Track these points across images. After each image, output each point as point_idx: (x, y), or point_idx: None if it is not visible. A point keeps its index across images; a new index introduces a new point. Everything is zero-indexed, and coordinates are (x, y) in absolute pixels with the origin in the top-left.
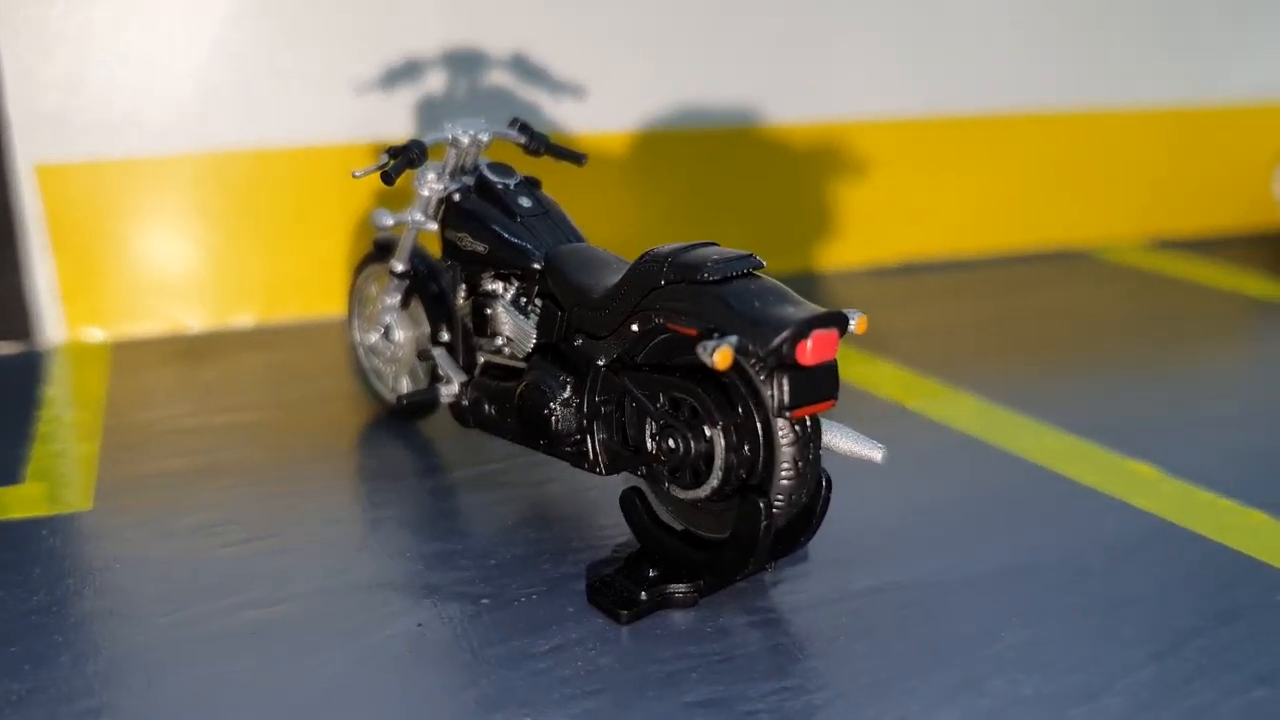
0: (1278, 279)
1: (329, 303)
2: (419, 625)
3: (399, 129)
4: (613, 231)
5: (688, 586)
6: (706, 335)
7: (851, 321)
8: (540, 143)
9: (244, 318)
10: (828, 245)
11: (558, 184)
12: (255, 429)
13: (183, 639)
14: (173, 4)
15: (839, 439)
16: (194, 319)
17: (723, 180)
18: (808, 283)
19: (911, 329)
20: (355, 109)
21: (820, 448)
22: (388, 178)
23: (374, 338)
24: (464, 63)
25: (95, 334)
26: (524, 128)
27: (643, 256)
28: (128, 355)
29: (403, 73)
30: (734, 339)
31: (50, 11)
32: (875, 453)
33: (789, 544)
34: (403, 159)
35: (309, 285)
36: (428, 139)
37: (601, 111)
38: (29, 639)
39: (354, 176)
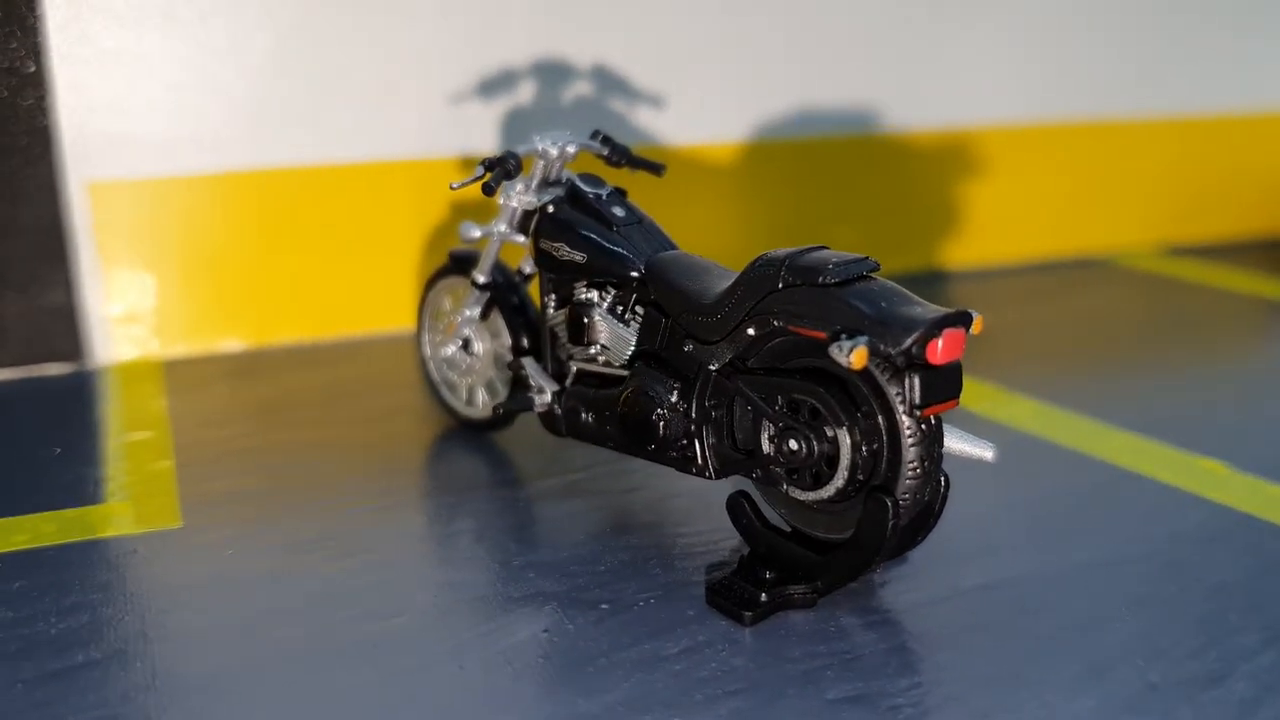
0: None
1: (378, 319)
2: (545, 631)
3: (453, 145)
4: (705, 240)
5: (806, 587)
6: (836, 337)
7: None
8: (622, 154)
9: (296, 335)
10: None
11: (655, 196)
12: (325, 446)
13: (304, 653)
14: (224, 22)
15: (951, 439)
16: (246, 337)
17: (763, 189)
18: None
19: None
20: (411, 124)
21: (943, 447)
22: (489, 189)
23: (450, 350)
24: (546, 75)
25: (147, 353)
26: (606, 139)
27: (756, 261)
28: (182, 374)
29: (457, 89)
30: (866, 339)
31: (101, 30)
32: (986, 452)
33: (907, 543)
34: (500, 170)
35: (359, 302)
36: (519, 151)
37: (691, 123)
38: (143, 656)
39: (451, 188)
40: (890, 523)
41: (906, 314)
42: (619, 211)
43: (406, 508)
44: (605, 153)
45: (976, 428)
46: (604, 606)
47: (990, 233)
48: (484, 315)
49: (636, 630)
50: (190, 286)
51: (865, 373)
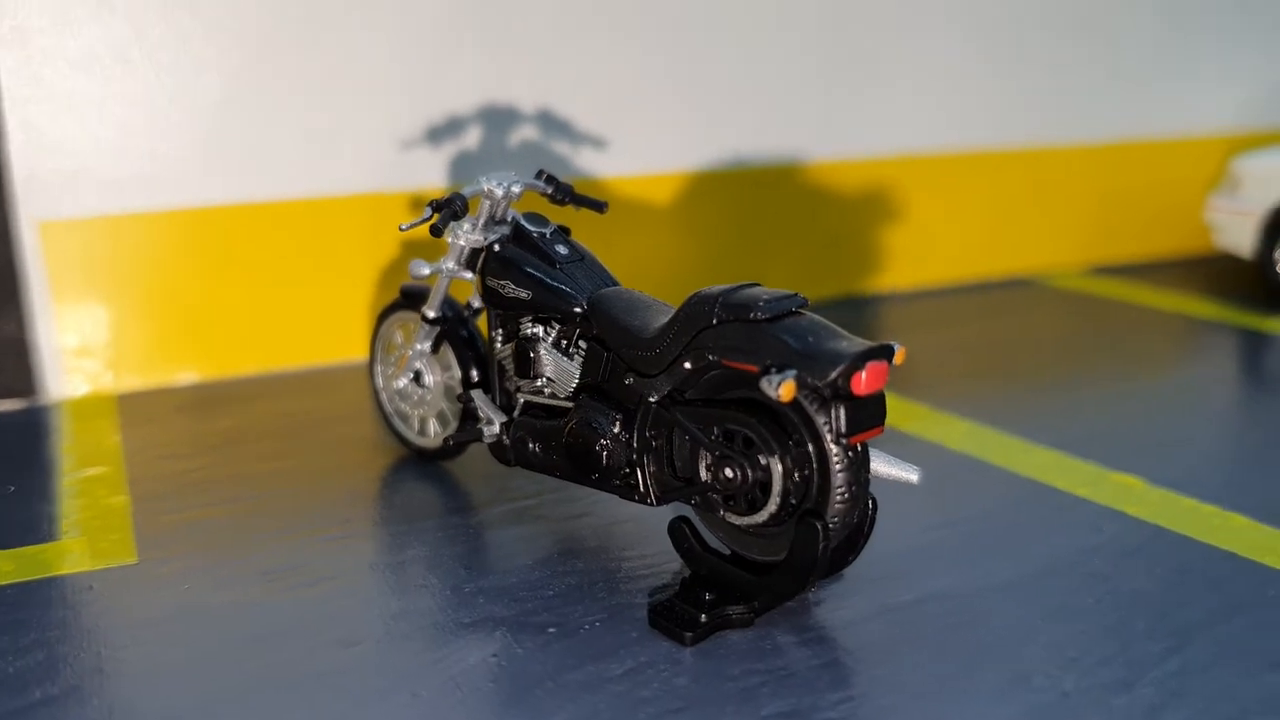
0: (1215, 300)
1: (330, 351)
2: (493, 655)
3: (404, 182)
4: (643, 269)
5: (744, 608)
6: (766, 371)
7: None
8: (565, 193)
9: (249, 367)
10: (775, 281)
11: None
12: (283, 475)
13: (260, 686)
14: (173, 62)
15: (878, 463)
16: (200, 369)
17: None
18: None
19: None
20: (362, 162)
21: (869, 472)
22: (436, 230)
23: (403, 382)
24: (490, 115)
25: (101, 387)
26: (550, 179)
27: (692, 298)
28: (136, 407)
29: (407, 127)
30: (793, 373)
31: (52, 73)
32: (912, 475)
33: (838, 563)
34: (447, 212)
35: (310, 334)
36: (465, 192)
37: (631, 158)
38: (100, 693)
39: (400, 230)
40: (821, 545)
41: (833, 348)
42: (562, 249)
43: (360, 537)
44: (550, 191)
45: (908, 447)
46: (551, 630)
47: (920, 257)
48: (434, 349)
49: (582, 653)
50: (143, 321)
51: (795, 404)
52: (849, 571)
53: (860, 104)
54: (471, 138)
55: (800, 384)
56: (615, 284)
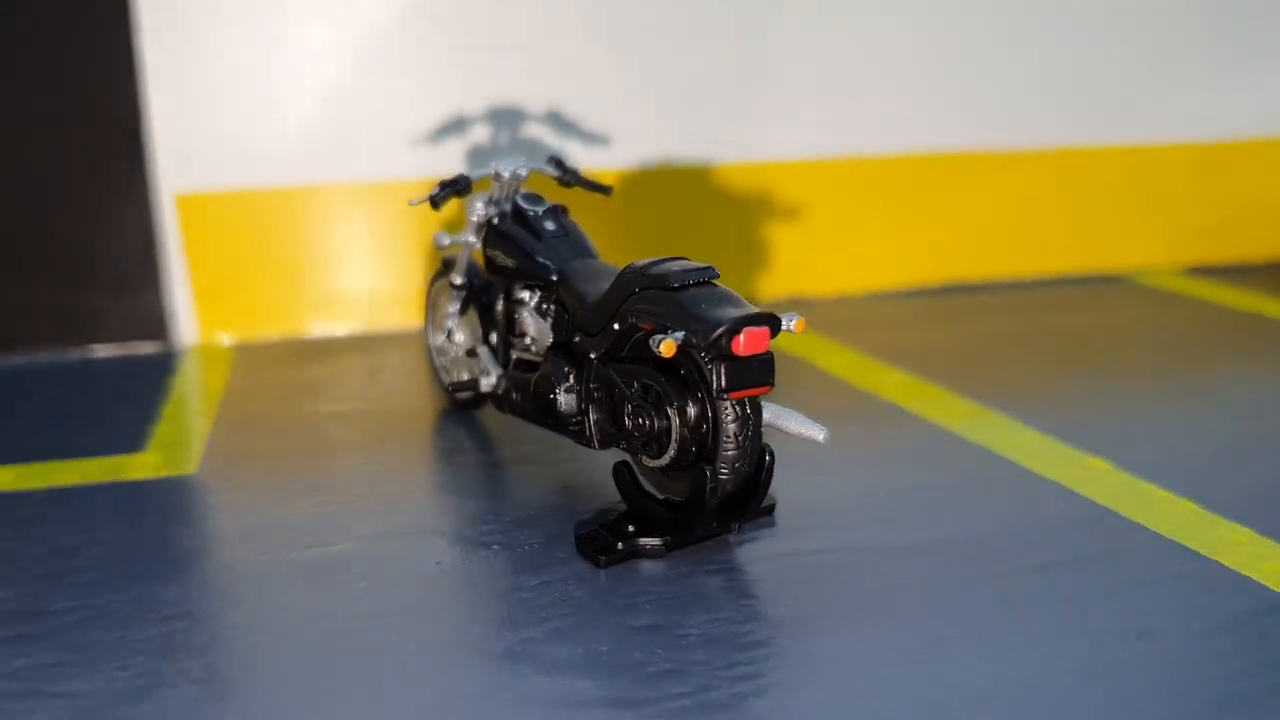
0: None
1: (416, 315)
2: (438, 563)
3: (455, 167)
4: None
5: (658, 541)
6: (660, 330)
7: (788, 323)
8: (572, 176)
9: (351, 326)
10: (886, 266)
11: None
12: (348, 417)
13: (263, 571)
14: (287, 57)
15: (789, 422)
16: (308, 327)
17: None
18: (879, 300)
19: (932, 343)
20: (421, 153)
21: (761, 426)
22: (434, 203)
23: (439, 340)
24: (502, 116)
25: (222, 338)
26: (559, 164)
27: (624, 269)
28: (248, 356)
29: (456, 124)
30: (680, 334)
31: (190, 64)
32: (818, 434)
33: (740, 509)
34: (450, 189)
35: (404, 299)
36: (474, 174)
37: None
38: (141, 566)
39: (409, 204)
40: (709, 487)
41: (719, 314)
42: (549, 225)
43: (392, 465)
44: (557, 175)
45: (899, 421)
46: (495, 547)
47: (1016, 248)
48: (462, 311)
49: (512, 567)
50: (260, 282)
51: (693, 361)
52: (781, 522)
53: (971, 99)
54: (485, 133)
55: (685, 343)
56: (594, 257)
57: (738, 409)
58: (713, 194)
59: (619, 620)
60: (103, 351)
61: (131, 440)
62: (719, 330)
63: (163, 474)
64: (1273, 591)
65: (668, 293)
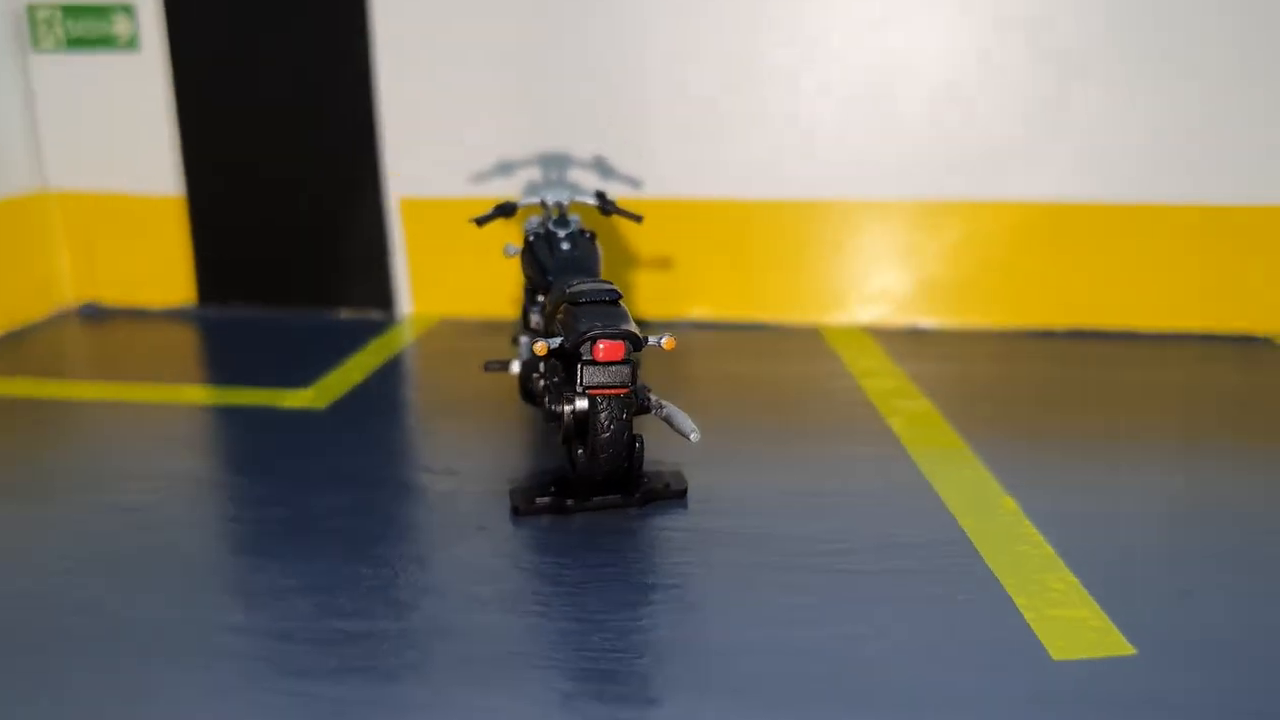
0: None
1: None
2: (481, 528)
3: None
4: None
5: (572, 503)
6: (547, 335)
7: (655, 340)
8: (610, 206)
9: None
10: (1014, 305)
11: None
12: (480, 379)
13: (387, 494)
14: (463, 85)
15: (675, 420)
16: (498, 309)
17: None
18: (988, 335)
19: (993, 379)
20: (507, 183)
21: (626, 417)
22: (479, 222)
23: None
24: (553, 159)
25: (427, 310)
26: (600, 195)
27: (564, 287)
28: (440, 329)
29: (529, 161)
30: (556, 340)
31: (410, 102)
32: (691, 435)
33: (621, 482)
34: (497, 212)
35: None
36: (522, 201)
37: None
38: (325, 475)
39: (470, 221)
40: (581, 462)
41: (587, 326)
42: (565, 246)
43: (457, 426)
44: (597, 205)
45: (882, 442)
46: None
47: (1155, 300)
48: None
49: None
50: (460, 270)
51: (579, 360)
52: (691, 505)
53: (1110, 151)
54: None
55: (561, 347)
56: (592, 275)
57: (606, 403)
58: (892, 228)
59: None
60: (345, 314)
61: (304, 379)
62: (583, 339)
63: (301, 406)
64: (1046, 654)
65: (572, 306)
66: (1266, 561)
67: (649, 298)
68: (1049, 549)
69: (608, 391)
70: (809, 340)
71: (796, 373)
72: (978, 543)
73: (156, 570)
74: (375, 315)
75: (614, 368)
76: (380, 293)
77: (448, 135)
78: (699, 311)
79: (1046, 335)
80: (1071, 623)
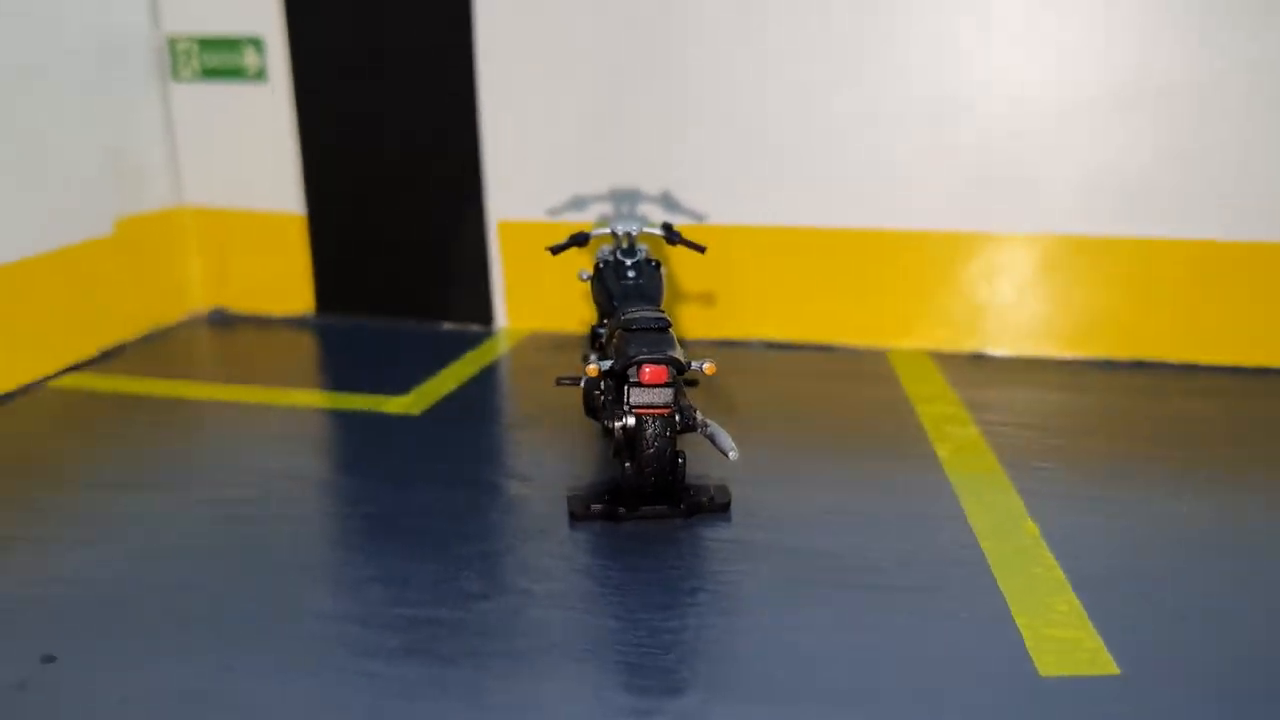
0: None
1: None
2: (492, 495)
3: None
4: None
5: (624, 512)
6: (603, 358)
7: (698, 365)
8: (675, 236)
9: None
10: (1096, 335)
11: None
12: (555, 392)
13: (465, 496)
14: (552, 125)
15: (718, 438)
16: (578, 324)
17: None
18: (1063, 364)
19: (1051, 408)
20: (583, 214)
21: (669, 435)
22: (553, 250)
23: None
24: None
25: (521, 325)
26: (667, 226)
27: (622, 313)
28: (530, 342)
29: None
30: (608, 363)
31: (508, 133)
32: (730, 453)
33: (667, 494)
34: (570, 242)
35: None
36: (595, 231)
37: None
38: (409, 476)
39: (546, 249)
40: (629, 474)
41: (636, 351)
42: (631, 274)
43: (538, 434)
44: (664, 235)
45: (914, 468)
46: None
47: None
48: None
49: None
50: (547, 288)
51: (628, 381)
52: (737, 519)
53: (1190, 184)
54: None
55: (609, 370)
56: (653, 303)
57: (651, 422)
58: (963, 258)
59: (547, 554)
60: (447, 326)
61: (403, 387)
62: (631, 362)
63: (399, 412)
64: (1034, 670)
65: (625, 332)
66: (1271, 591)
67: (724, 318)
68: (1060, 573)
69: (652, 411)
70: (875, 363)
71: (856, 395)
72: (993, 564)
73: (251, 558)
74: (475, 328)
75: (658, 389)
76: (480, 307)
77: (539, 168)
78: (770, 332)
79: (1109, 365)
80: (1065, 643)
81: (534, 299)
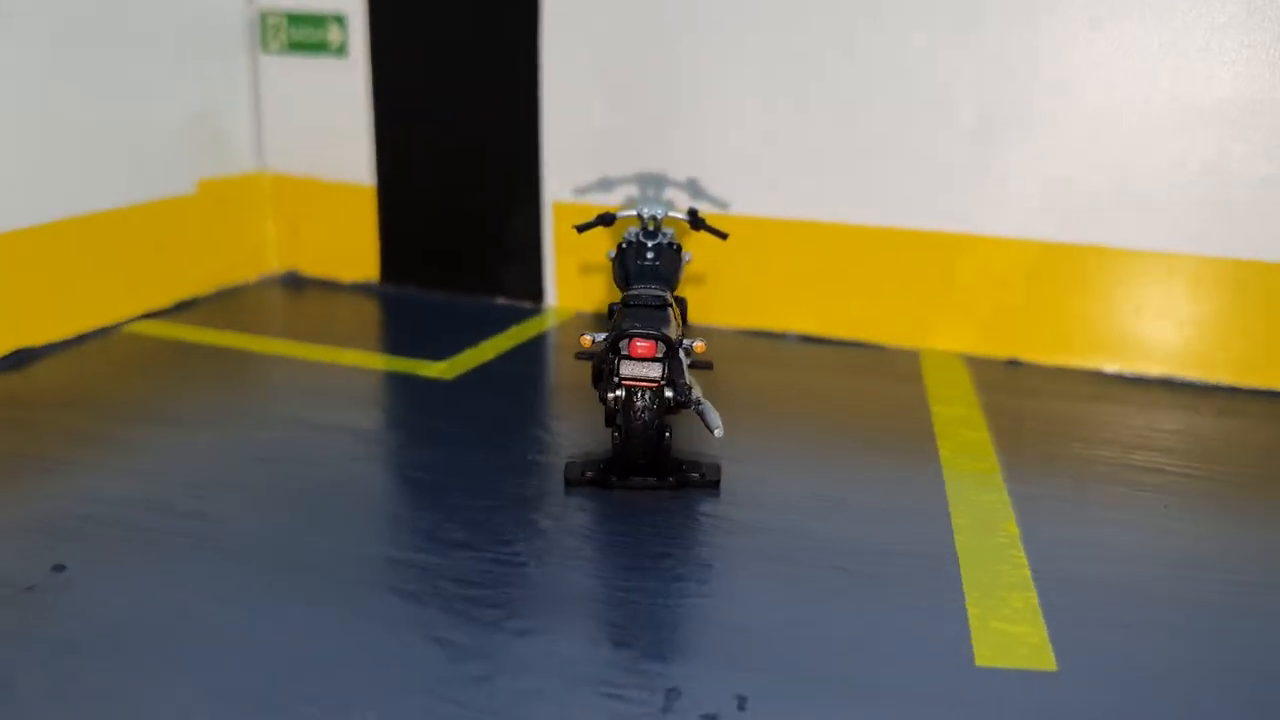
0: None
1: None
2: (531, 458)
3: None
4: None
5: (615, 480)
6: (594, 332)
7: (689, 343)
8: (699, 222)
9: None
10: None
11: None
12: (582, 366)
13: (473, 456)
14: (603, 112)
15: (705, 414)
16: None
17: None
18: (1125, 381)
19: (1054, 420)
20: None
21: (656, 408)
22: (579, 229)
23: None
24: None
25: (567, 304)
26: (692, 212)
27: (627, 291)
28: (574, 320)
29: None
30: (601, 335)
31: (564, 119)
32: (716, 430)
33: (656, 467)
34: (597, 222)
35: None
36: (621, 213)
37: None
38: (428, 434)
39: (574, 228)
40: (618, 445)
41: (628, 326)
42: (649, 255)
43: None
44: (688, 220)
45: (922, 462)
46: (532, 460)
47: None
48: None
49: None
50: (589, 268)
51: (619, 354)
52: (727, 498)
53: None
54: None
55: (604, 342)
56: (665, 284)
57: (639, 394)
58: (1006, 264)
59: (540, 516)
60: (500, 301)
61: (444, 354)
62: (622, 335)
63: (434, 375)
64: (970, 660)
65: (624, 309)
66: (1235, 610)
67: (760, 309)
68: (1027, 572)
69: (640, 384)
70: (905, 363)
71: (874, 391)
72: (964, 559)
73: (272, 494)
74: (526, 305)
75: (646, 363)
76: (532, 285)
77: (590, 153)
78: (806, 326)
79: (1139, 380)
80: (1010, 636)
81: (584, 279)
